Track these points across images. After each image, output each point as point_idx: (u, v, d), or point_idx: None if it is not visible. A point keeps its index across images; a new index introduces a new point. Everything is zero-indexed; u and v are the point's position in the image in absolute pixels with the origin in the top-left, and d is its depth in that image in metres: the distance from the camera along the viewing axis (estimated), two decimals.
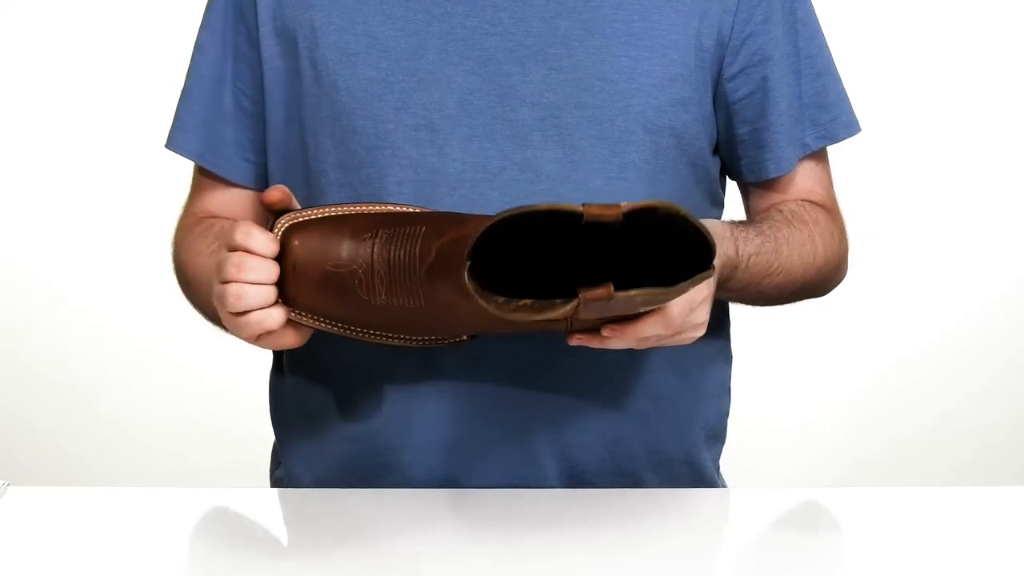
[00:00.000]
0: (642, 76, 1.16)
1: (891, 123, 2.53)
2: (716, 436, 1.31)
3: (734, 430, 1.34)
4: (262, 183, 1.27)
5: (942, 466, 2.67)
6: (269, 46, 1.22)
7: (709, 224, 1.12)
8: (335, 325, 1.07)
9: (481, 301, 0.94)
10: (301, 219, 1.06)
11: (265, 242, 1.04)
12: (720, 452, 1.33)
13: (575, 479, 1.21)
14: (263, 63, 1.22)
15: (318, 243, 1.04)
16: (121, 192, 2.59)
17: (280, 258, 1.05)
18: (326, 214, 1.07)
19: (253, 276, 1.03)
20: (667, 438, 1.24)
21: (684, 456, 1.26)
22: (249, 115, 1.25)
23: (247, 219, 1.19)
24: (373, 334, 1.08)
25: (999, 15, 2.62)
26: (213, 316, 1.22)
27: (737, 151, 1.26)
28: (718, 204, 1.28)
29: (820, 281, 1.27)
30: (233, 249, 1.05)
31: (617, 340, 1.05)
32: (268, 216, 1.12)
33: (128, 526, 1.10)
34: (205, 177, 1.29)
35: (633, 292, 0.93)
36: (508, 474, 1.19)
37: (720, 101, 1.23)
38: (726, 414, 1.32)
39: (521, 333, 1.10)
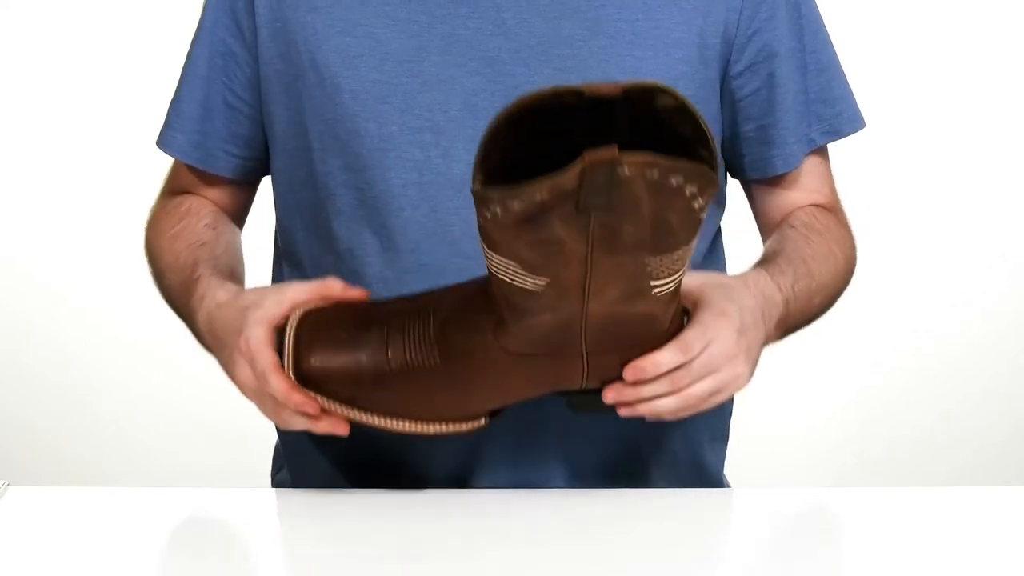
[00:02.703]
0: (646, 75, 1.16)
1: (894, 121, 2.52)
2: (720, 437, 1.31)
3: (736, 430, 1.34)
4: (248, 176, 1.30)
5: (942, 466, 2.67)
6: (268, 48, 1.22)
7: (731, 286, 1.10)
8: (352, 409, 1.08)
9: (491, 195, 0.90)
10: (313, 330, 1.07)
11: (301, 404, 1.06)
12: (725, 453, 1.33)
13: (582, 481, 1.21)
14: (263, 65, 1.22)
15: (337, 366, 1.05)
16: (121, 192, 2.58)
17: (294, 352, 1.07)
18: (336, 316, 1.08)
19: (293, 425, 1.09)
20: (673, 439, 1.24)
21: (690, 457, 1.26)
22: (235, 110, 1.26)
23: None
24: (389, 420, 1.08)
25: (1000, 13, 2.62)
26: (177, 308, 1.28)
27: (742, 148, 1.26)
28: (722, 203, 1.28)
29: (844, 287, 1.26)
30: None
31: (639, 372, 1.02)
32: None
33: (128, 526, 1.10)
34: (187, 167, 1.30)
35: (638, 156, 0.88)
36: (514, 475, 1.19)
37: (726, 98, 1.23)
38: (730, 415, 1.32)
39: (542, 396, 1.08)
